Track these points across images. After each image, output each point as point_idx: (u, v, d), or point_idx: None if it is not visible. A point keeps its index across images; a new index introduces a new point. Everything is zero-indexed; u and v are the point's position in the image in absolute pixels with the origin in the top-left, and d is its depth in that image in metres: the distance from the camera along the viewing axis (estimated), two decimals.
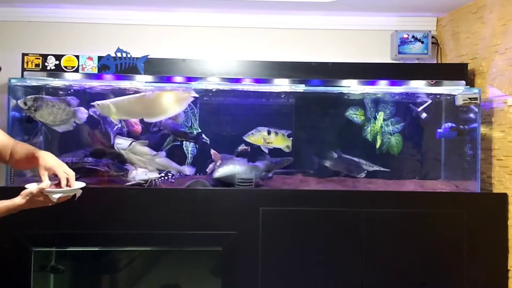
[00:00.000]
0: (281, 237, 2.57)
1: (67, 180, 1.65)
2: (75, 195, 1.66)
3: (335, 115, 3.01)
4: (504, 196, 2.60)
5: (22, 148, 1.81)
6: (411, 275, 2.58)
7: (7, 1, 3.03)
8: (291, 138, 2.86)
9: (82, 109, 2.75)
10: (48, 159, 1.69)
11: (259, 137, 2.81)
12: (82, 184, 1.68)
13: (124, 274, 2.71)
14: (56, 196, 1.58)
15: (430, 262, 2.57)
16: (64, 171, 1.67)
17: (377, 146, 2.91)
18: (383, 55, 3.23)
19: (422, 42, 3.15)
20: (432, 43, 3.18)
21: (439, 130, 2.92)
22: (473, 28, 2.89)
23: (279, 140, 2.85)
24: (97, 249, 2.61)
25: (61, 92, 2.79)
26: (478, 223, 2.58)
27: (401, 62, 3.21)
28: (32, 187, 1.59)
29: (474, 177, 2.72)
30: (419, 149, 3.05)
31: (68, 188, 1.63)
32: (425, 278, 2.58)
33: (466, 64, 2.87)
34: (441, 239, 2.58)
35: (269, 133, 2.82)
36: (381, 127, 2.91)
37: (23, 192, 1.58)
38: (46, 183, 1.60)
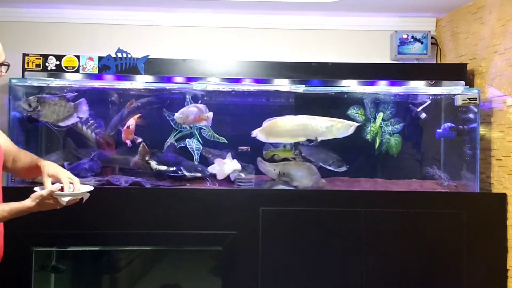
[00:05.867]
0: (281, 237, 2.57)
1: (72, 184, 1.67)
2: (82, 198, 1.68)
3: (335, 115, 3.00)
4: (503, 196, 2.61)
5: (25, 156, 1.83)
6: (411, 275, 2.58)
7: (7, 2, 3.03)
8: None
9: (83, 102, 2.72)
10: (51, 167, 1.71)
11: None
12: (90, 188, 1.70)
13: (125, 274, 2.72)
14: (65, 199, 1.61)
15: (430, 262, 2.58)
16: (68, 177, 1.69)
17: (376, 146, 2.91)
18: (383, 56, 3.23)
19: (422, 43, 3.15)
20: (432, 43, 3.19)
21: (438, 130, 2.92)
22: (473, 29, 2.90)
23: None
24: (97, 248, 2.61)
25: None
26: (477, 223, 2.59)
27: (401, 62, 3.21)
28: (41, 190, 1.59)
29: (473, 177, 2.73)
30: (419, 149, 3.05)
31: (77, 192, 1.65)
32: (424, 277, 2.58)
33: (466, 65, 2.88)
34: (441, 239, 2.58)
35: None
36: (381, 127, 2.91)
37: (33, 195, 1.58)
38: (56, 186, 1.62)
